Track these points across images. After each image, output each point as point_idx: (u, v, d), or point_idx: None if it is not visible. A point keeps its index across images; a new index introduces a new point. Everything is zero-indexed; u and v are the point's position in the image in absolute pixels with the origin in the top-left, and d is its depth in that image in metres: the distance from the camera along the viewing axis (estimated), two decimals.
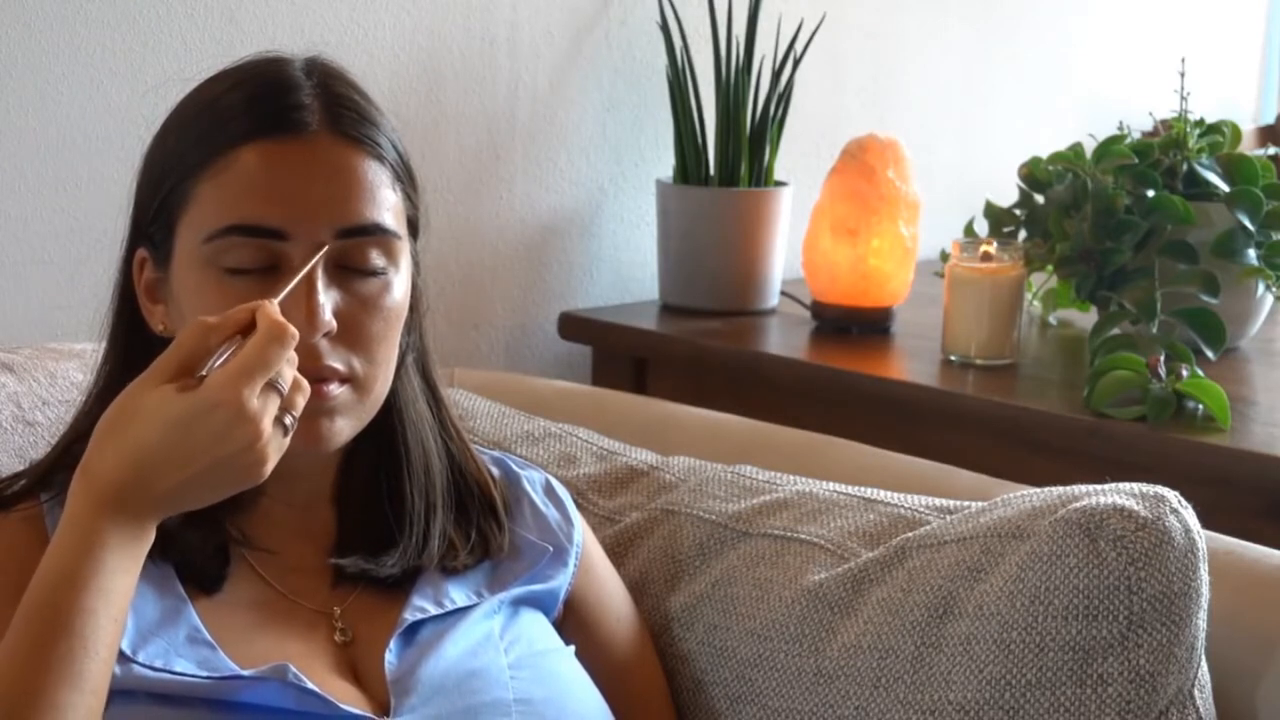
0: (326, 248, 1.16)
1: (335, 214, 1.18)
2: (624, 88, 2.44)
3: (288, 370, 1.07)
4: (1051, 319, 2.40)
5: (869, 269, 2.30)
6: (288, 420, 1.07)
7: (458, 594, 1.27)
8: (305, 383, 1.09)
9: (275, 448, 1.07)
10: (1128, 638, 1.21)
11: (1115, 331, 2.05)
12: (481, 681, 1.21)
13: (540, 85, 2.34)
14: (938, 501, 1.41)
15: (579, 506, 1.43)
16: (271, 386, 1.05)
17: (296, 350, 1.15)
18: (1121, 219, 2.09)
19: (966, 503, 1.38)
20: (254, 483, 1.07)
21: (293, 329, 1.07)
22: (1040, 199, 2.26)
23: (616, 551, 1.46)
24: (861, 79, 2.77)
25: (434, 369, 1.32)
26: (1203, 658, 1.25)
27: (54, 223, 1.89)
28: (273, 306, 1.08)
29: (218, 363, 1.06)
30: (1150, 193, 2.10)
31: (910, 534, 1.35)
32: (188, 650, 1.16)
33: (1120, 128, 2.26)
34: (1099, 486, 1.28)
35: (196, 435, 1.04)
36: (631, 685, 1.37)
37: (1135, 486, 1.27)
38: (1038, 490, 1.33)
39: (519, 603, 1.30)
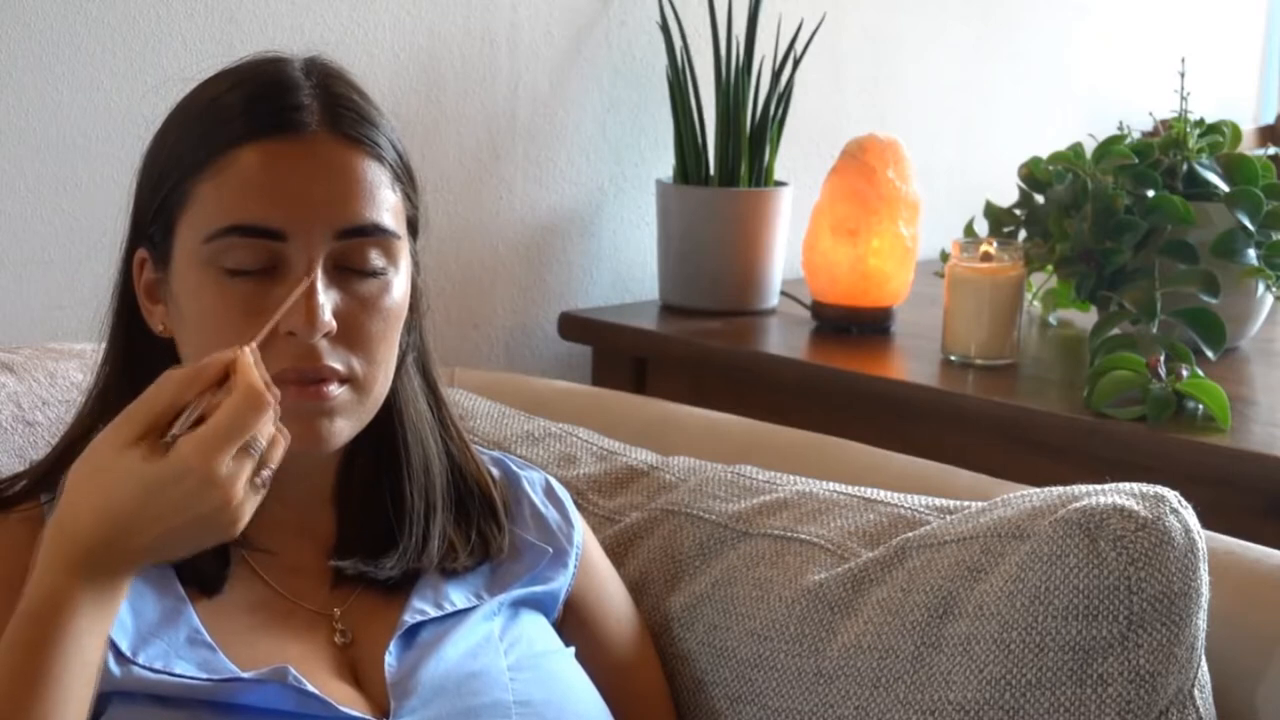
0: (310, 280, 1.15)
1: (335, 214, 1.18)
2: (624, 88, 2.44)
3: (266, 428, 1.06)
4: (1051, 319, 2.40)
5: (869, 269, 2.30)
6: (261, 478, 1.07)
7: (457, 596, 1.26)
8: (283, 436, 1.08)
9: (249, 506, 1.07)
10: (1128, 638, 1.21)
11: (1115, 331, 2.05)
12: (481, 683, 1.21)
13: (540, 85, 2.34)
14: (938, 501, 1.41)
15: (579, 506, 1.43)
16: (246, 450, 1.05)
17: (296, 350, 1.15)
18: (1121, 219, 2.09)
19: (966, 503, 1.38)
20: (228, 538, 1.08)
21: (270, 396, 1.06)
22: (1040, 199, 2.26)
23: (616, 551, 1.46)
24: (861, 79, 2.77)
25: (434, 369, 1.32)
26: (1203, 658, 1.25)
27: (54, 223, 1.89)
28: (249, 365, 1.06)
29: (190, 419, 1.05)
30: (1150, 193, 2.10)
31: (910, 534, 1.35)
32: (188, 652, 1.16)
33: (1120, 128, 2.27)
34: (1099, 486, 1.28)
35: (167, 497, 1.04)
36: (632, 686, 1.37)
37: (1135, 486, 1.27)
38: (1038, 490, 1.33)
39: (519, 604, 1.30)
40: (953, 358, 2.13)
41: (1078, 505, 1.25)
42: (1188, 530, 1.24)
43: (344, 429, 1.20)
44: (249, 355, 1.07)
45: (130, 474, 1.04)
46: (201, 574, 1.21)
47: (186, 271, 1.19)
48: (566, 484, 1.45)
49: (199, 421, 1.05)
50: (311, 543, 1.27)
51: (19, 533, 1.19)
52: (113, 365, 1.25)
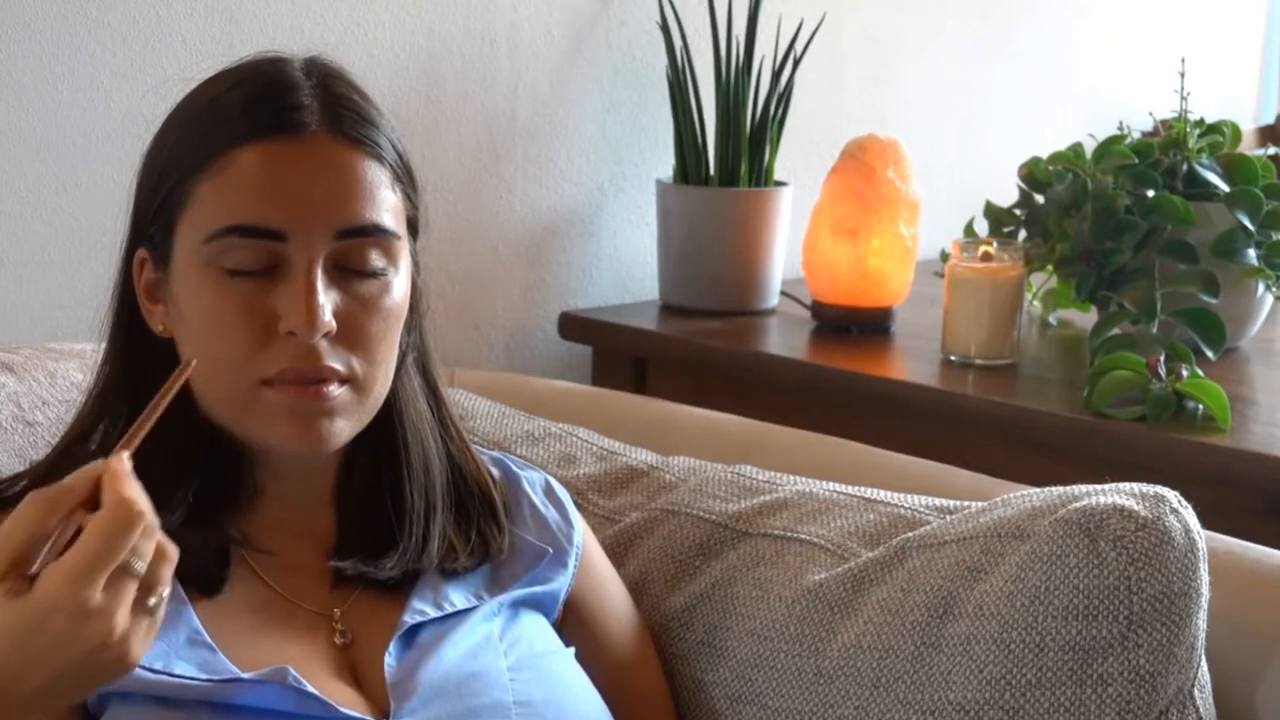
0: (190, 364, 1.04)
1: (334, 215, 1.18)
2: (624, 88, 2.44)
3: (146, 544, 0.93)
4: (1051, 319, 2.40)
5: (869, 269, 2.30)
6: (152, 600, 0.95)
7: (457, 596, 1.26)
8: (172, 550, 0.96)
9: (141, 635, 0.95)
10: (1128, 638, 1.21)
11: (1115, 331, 2.05)
12: (481, 684, 1.21)
13: (540, 85, 2.34)
14: (938, 501, 1.41)
15: (579, 506, 1.43)
16: (123, 573, 0.92)
17: (296, 350, 1.15)
18: (1121, 219, 2.09)
19: (966, 503, 1.38)
20: (125, 673, 0.96)
21: (141, 506, 0.93)
22: (1040, 199, 2.26)
23: (616, 551, 1.46)
24: (861, 79, 2.77)
25: (434, 369, 1.32)
26: (1203, 658, 1.25)
27: (54, 223, 1.89)
28: (121, 476, 0.94)
29: (55, 547, 0.92)
30: (1150, 193, 2.10)
31: (910, 534, 1.35)
32: (188, 652, 1.16)
33: (1120, 128, 2.27)
34: (1099, 486, 1.28)
35: (38, 642, 0.92)
36: (632, 686, 1.37)
37: (1135, 486, 1.27)
38: (1038, 490, 1.33)
39: (519, 605, 1.30)
40: (953, 358, 2.13)
41: (1078, 505, 1.25)
42: (1188, 530, 1.24)
43: (344, 429, 1.20)
44: (123, 464, 0.94)
45: None
46: (202, 575, 1.20)
47: (186, 271, 1.19)
48: (566, 484, 1.45)
49: (72, 542, 0.93)
50: (311, 543, 1.26)
51: None
52: (113, 365, 1.25)
